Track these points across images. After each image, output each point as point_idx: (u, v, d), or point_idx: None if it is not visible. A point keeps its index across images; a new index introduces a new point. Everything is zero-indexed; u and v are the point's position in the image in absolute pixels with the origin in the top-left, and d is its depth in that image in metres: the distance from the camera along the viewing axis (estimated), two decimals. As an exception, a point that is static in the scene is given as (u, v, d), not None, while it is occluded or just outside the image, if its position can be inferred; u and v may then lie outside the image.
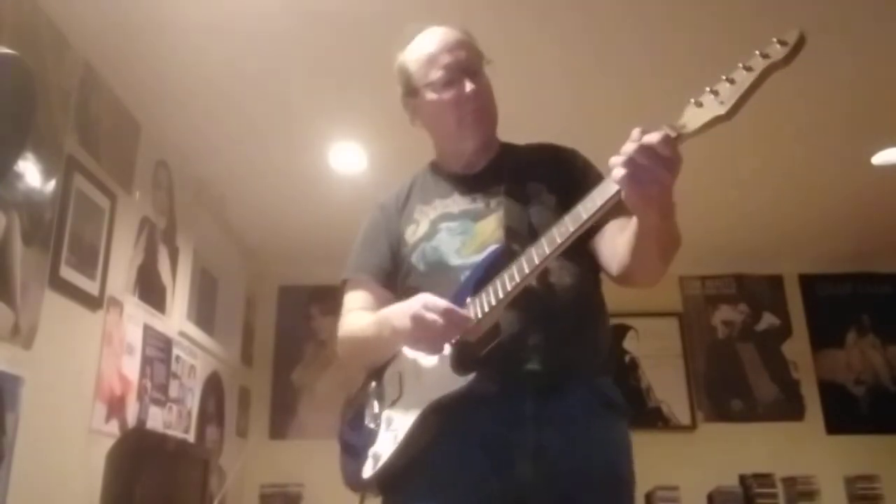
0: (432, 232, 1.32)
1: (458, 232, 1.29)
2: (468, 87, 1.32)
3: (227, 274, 4.17)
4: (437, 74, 1.33)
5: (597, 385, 1.22)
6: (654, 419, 4.30)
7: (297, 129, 2.99)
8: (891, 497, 3.96)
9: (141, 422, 2.72)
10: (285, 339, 4.44)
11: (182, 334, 3.20)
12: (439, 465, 1.15)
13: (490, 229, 1.27)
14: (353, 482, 1.25)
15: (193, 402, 3.34)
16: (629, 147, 0.96)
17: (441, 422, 1.15)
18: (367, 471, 1.21)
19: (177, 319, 3.15)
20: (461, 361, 1.14)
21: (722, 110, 0.92)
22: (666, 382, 4.36)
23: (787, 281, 4.58)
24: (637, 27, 2.41)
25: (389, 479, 1.20)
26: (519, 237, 1.22)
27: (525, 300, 1.14)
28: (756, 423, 4.26)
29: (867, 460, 4.06)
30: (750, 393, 4.35)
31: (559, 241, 1.06)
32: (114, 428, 2.49)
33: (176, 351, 3.12)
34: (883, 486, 3.97)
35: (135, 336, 2.72)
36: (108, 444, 2.39)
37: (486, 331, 1.15)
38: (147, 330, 2.82)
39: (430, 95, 1.35)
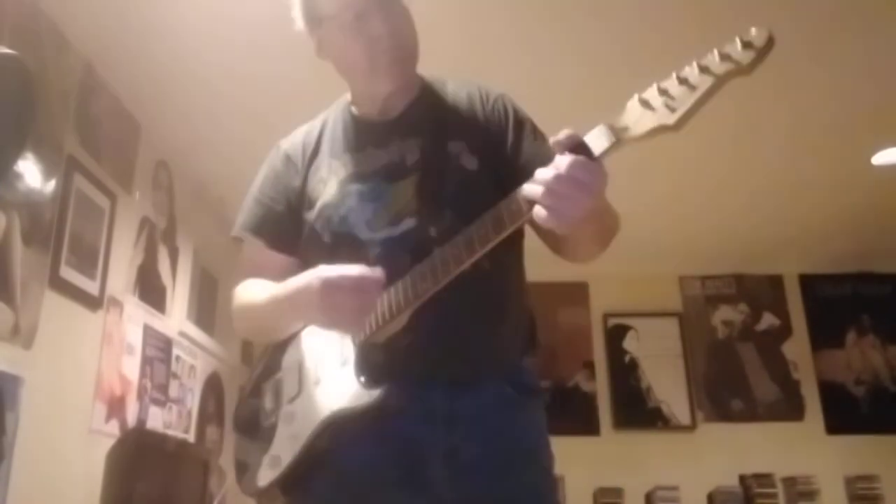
0: (341, 196, 1.15)
1: (370, 198, 1.13)
2: (380, 23, 1.13)
3: (227, 274, 4.17)
4: (342, 8, 1.14)
5: (511, 372, 1.13)
6: (654, 419, 4.30)
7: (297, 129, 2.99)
8: (891, 497, 3.96)
9: (141, 422, 2.72)
10: (285, 339, 4.43)
11: (182, 334, 3.20)
12: (346, 470, 1.06)
13: (406, 198, 1.12)
14: (250, 489, 1.14)
15: (193, 402, 3.34)
16: (549, 175, 0.88)
17: (345, 429, 1.05)
18: (265, 477, 1.10)
19: (177, 319, 3.15)
20: (367, 369, 1.04)
21: (670, 120, 0.81)
22: (666, 382, 4.36)
23: (787, 281, 4.58)
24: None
25: (291, 483, 1.09)
26: (435, 212, 1.09)
27: (438, 291, 1.01)
28: (756, 423, 4.26)
29: (867, 460, 4.06)
30: (750, 393, 4.35)
31: (478, 247, 0.97)
32: (114, 428, 2.49)
33: (176, 351, 3.12)
34: (883, 486, 3.97)
35: (135, 336, 2.72)
36: (108, 444, 2.39)
37: (394, 331, 1.05)
38: (147, 330, 2.82)
39: (336, 31, 1.17)
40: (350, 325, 1.03)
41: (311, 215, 1.18)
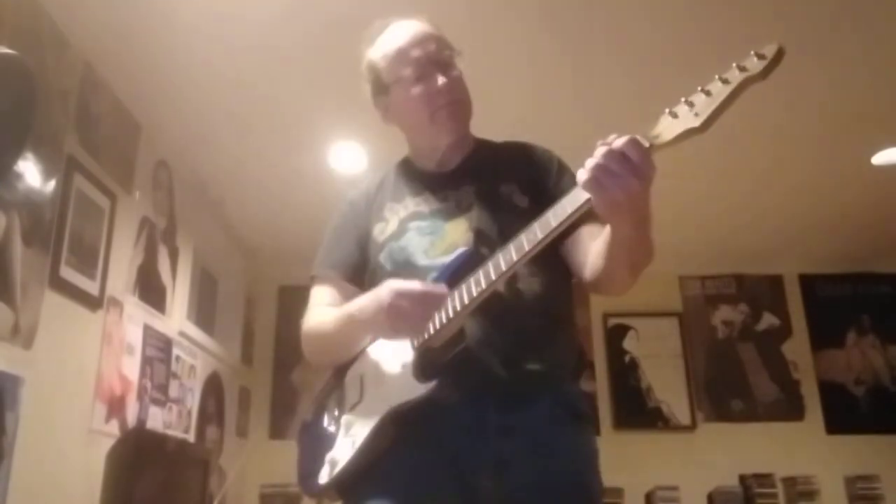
0: (401, 231, 1.28)
1: (428, 232, 1.26)
2: (440, 80, 1.27)
3: (227, 274, 4.17)
4: (407, 69, 1.29)
5: (563, 393, 1.19)
6: (654, 419, 4.30)
7: (297, 129, 3.00)
8: (891, 497, 3.96)
9: (141, 422, 2.72)
10: (285, 339, 4.44)
11: (182, 334, 3.20)
12: (398, 475, 1.12)
13: (460, 231, 1.24)
14: (309, 487, 1.22)
15: (193, 402, 3.34)
16: (599, 151, 0.95)
17: (400, 430, 1.12)
18: (324, 477, 1.18)
19: (177, 319, 3.15)
20: (424, 368, 1.11)
21: (696, 123, 0.90)
22: (666, 382, 4.36)
23: (787, 281, 4.58)
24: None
25: (347, 485, 1.17)
26: (488, 240, 1.19)
27: (492, 306, 1.10)
28: (756, 423, 4.26)
29: (867, 460, 4.07)
30: (750, 393, 4.35)
31: (527, 247, 1.03)
32: (114, 428, 2.49)
33: (176, 351, 3.12)
34: (883, 486, 3.98)
35: (135, 336, 2.72)
36: (108, 444, 2.39)
37: (450, 336, 1.11)
38: (147, 330, 2.82)
39: (402, 92, 1.31)
40: (411, 332, 1.12)
41: (375, 249, 1.31)
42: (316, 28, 2.37)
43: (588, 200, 0.97)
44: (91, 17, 2.26)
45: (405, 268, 1.23)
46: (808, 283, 4.57)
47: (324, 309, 1.31)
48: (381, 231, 1.31)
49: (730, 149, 3.10)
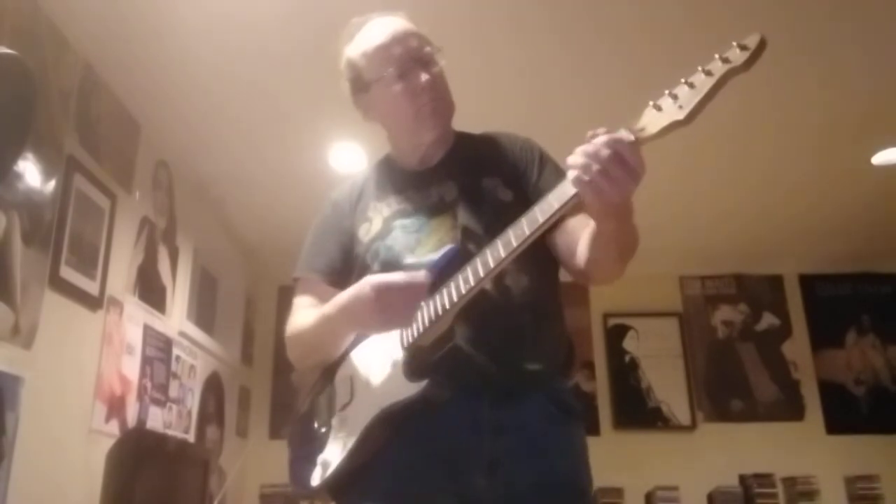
0: (386, 230, 1.27)
1: (413, 230, 1.24)
2: (423, 77, 1.26)
3: (227, 274, 4.17)
4: (389, 67, 1.27)
5: (554, 390, 1.19)
6: (654, 419, 4.30)
7: (298, 129, 3.00)
8: (891, 497, 3.96)
9: (141, 422, 2.72)
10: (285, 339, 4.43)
11: (182, 334, 3.20)
12: (390, 475, 1.12)
13: (445, 228, 1.23)
14: (302, 489, 1.21)
15: (193, 402, 3.34)
16: (592, 150, 0.93)
17: (392, 430, 1.11)
18: (316, 478, 1.17)
19: (177, 319, 3.15)
20: (414, 367, 1.10)
21: (680, 115, 0.90)
22: (666, 382, 4.36)
23: (787, 281, 4.58)
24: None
25: (339, 486, 1.16)
26: (474, 236, 1.18)
27: (480, 303, 1.10)
28: (756, 423, 4.26)
29: (867, 460, 4.06)
30: (750, 393, 4.35)
31: (514, 244, 1.03)
32: (114, 428, 2.49)
33: (176, 351, 3.12)
34: (883, 486, 3.97)
35: (135, 336, 2.72)
36: (108, 444, 2.39)
37: (439, 335, 1.10)
38: (147, 330, 2.82)
39: (384, 90, 1.29)
40: (402, 322, 1.11)
41: (360, 250, 1.29)
42: (316, 28, 2.37)
43: (575, 195, 0.97)
44: (91, 18, 2.26)
45: (391, 267, 1.22)
46: (808, 283, 4.57)
47: (306, 311, 1.31)
48: (367, 231, 1.30)
49: (730, 149, 3.10)
